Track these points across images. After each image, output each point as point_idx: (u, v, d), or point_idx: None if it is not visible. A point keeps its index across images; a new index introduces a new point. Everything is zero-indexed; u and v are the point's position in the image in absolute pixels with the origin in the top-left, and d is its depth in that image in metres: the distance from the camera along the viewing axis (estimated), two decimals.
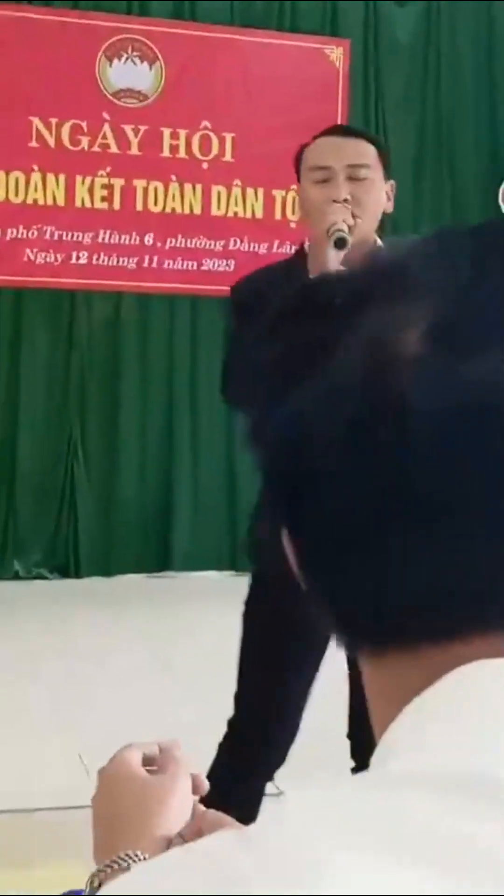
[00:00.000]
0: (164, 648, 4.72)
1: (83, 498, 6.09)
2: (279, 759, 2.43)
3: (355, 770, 2.37)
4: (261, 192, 6.31)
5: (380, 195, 2.40)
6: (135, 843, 0.91)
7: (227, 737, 2.46)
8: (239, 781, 2.41)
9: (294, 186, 6.15)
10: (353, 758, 2.46)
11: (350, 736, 2.50)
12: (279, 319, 0.65)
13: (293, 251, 2.60)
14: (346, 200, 2.31)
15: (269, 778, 2.45)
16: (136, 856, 0.89)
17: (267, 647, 2.41)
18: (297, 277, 2.35)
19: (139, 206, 6.15)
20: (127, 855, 0.89)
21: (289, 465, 0.60)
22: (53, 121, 6.00)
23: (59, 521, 6.13)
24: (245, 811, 2.40)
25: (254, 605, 2.44)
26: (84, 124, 6.01)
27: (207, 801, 2.48)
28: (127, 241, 6.12)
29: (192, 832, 0.94)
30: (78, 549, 6.11)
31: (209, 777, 2.50)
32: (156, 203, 6.18)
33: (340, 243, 2.22)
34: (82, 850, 1.07)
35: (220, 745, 2.47)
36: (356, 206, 2.32)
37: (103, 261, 6.08)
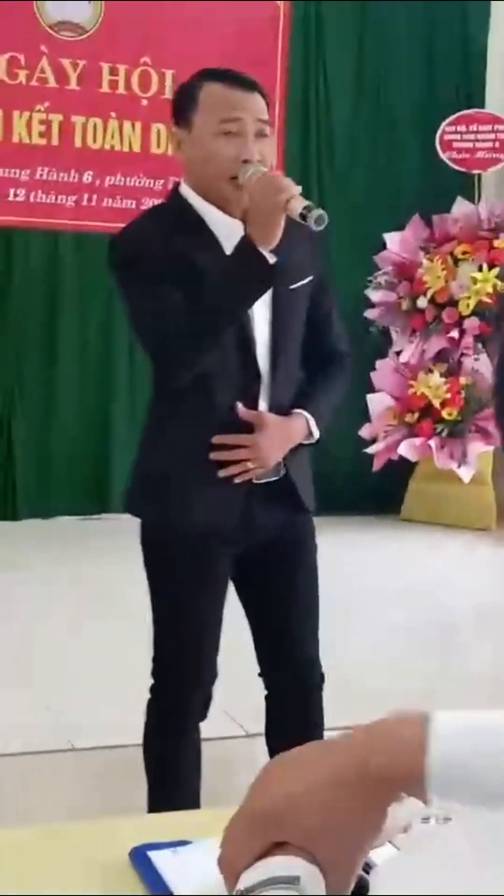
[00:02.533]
0: (106, 590, 4.73)
1: (20, 441, 6.04)
2: (208, 702, 2.52)
3: (269, 698, 2.58)
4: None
5: (275, 152, 2.42)
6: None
7: (156, 695, 2.50)
8: (180, 735, 2.49)
9: None
10: (267, 689, 2.59)
11: (262, 673, 2.60)
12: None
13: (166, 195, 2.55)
14: (259, 161, 2.28)
15: (203, 718, 2.51)
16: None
17: (194, 604, 2.45)
18: (190, 224, 2.33)
19: (78, 143, 6.06)
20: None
21: None
22: None
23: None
24: (192, 761, 2.46)
25: (172, 562, 2.46)
26: (21, 57, 5.89)
27: (151, 757, 2.49)
28: (65, 179, 6.03)
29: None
30: (15, 491, 6.07)
31: (148, 736, 2.54)
32: (95, 140, 6.09)
33: (320, 220, 2.18)
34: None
35: (150, 705, 2.51)
36: (262, 164, 2.29)
37: (41, 198, 5.98)
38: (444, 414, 6.15)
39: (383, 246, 6.40)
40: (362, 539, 6.04)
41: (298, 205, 2.20)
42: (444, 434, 6.18)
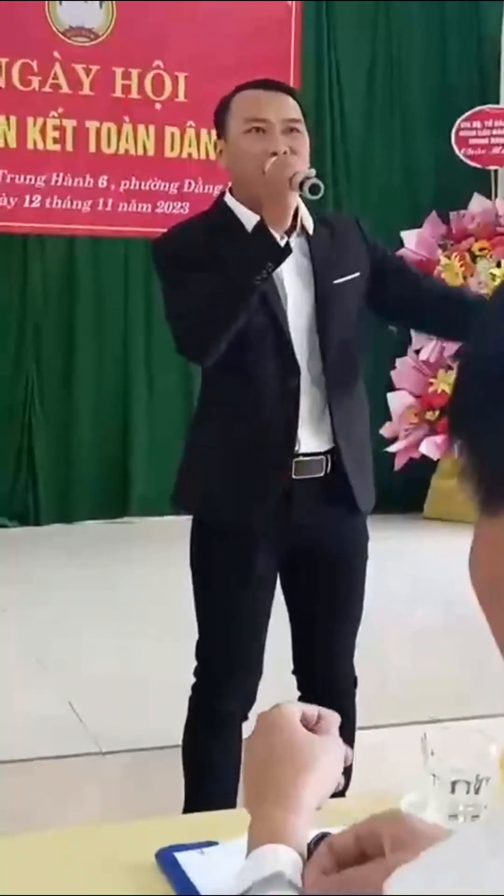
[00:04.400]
0: (128, 593, 4.73)
1: (41, 445, 6.05)
2: (251, 702, 2.49)
3: (302, 699, 2.48)
4: (214, 132, 6.22)
5: (308, 150, 2.44)
6: (284, 797, 0.95)
7: (195, 691, 2.52)
8: (216, 732, 2.49)
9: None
10: (299, 689, 2.57)
11: (295, 672, 2.59)
12: None
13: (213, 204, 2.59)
14: (285, 152, 2.34)
15: (245, 719, 2.49)
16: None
17: (231, 600, 2.46)
18: (231, 229, 2.39)
19: (92, 148, 6.06)
20: None
21: None
22: (3, 60, 5.88)
23: (18, 470, 6.10)
24: (228, 761, 2.45)
25: (209, 557, 2.48)
26: (34, 64, 5.90)
27: (190, 754, 2.48)
28: (80, 184, 6.03)
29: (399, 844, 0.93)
30: (38, 496, 6.08)
31: (187, 732, 2.52)
32: (109, 145, 6.09)
33: (315, 189, 2.24)
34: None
35: (190, 700, 2.52)
36: (294, 156, 2.36)
37: (57, 204, 6.00)
38: None
39: (401, 244, 6.37)
40: (385, 538, 6.01)
41: (298, 179, 2.26)
42: None
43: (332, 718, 1.09)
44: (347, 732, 2.49)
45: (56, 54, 5.93)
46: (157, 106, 6.12)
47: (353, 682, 2.60)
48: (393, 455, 6.23)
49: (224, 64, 6.13)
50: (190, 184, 6.18)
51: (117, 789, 3.07)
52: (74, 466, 6.15)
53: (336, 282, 2.40)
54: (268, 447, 2.36)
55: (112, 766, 3.18)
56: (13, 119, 5.91)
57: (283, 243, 2.27)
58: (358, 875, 0.92)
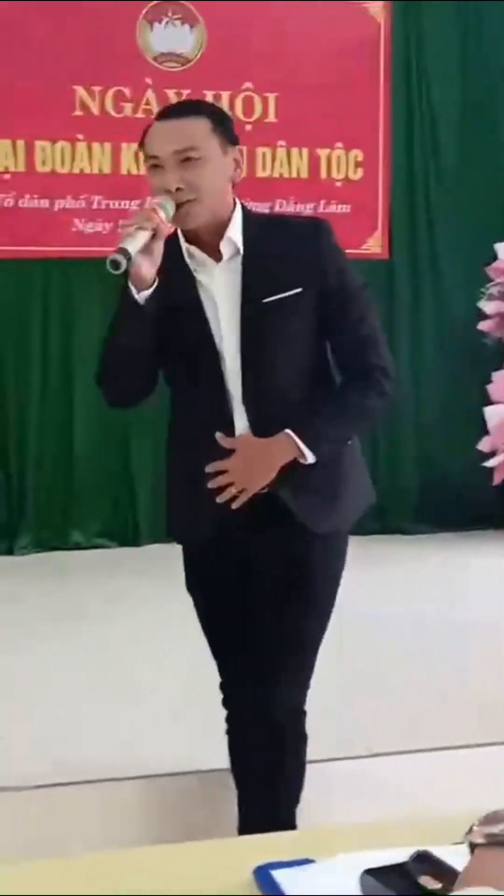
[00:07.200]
0: None
1: (140, 466, 6.10)
2: (266, 717, 2.48)
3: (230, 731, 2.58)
4: (305, 151, 6.26)
5: (217, 170, 2.25)
6: None
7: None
8: (239, 742, 2.56)
9: (339, 144, 6.21)
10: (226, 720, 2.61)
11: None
12: None
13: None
14: (178, 189, 2.20)
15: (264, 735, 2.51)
16: None
17: (206, 615, 2.54)
18: (170, 261, 2.25)
19: None
20: None
21: None
22: (97, 89, 5.98)
23: (118, 490, 6.16)
24: (258, 775, 2.44)
25: (192, 577, 2.56)
26: (127, 90, 5.99)
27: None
28: None
29: None
30: (137, 517, 6.14)
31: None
32: None
33: (114, 265, 2.07)
34: None
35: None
36: (190, 190, 2.21)
37: None
38: None
39: (494, 257, 6.31)
40: (483, 554, 5.95)
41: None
42: None
43: None
44: (281, 774, 2.44)
45: (148, 80, 6.02)
46: (248, 127, 6.16)
47: (292, 716, 2.47)
48: (491, 470, 6.16)
49: (313, 83, 6.17)
50: (282, 203, 6.22)
51: (168, 813, 3.06)
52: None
53: (266, 300, 2.27)
54: (201, 467, 2.31)
55: (159, 788, 3.17)
56: (107, 146, 6.01)
57: (141, 298, 2.19)
58: None
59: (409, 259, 6.45)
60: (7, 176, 5.93)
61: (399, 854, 1.18)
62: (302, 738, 2.51)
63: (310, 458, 2.27)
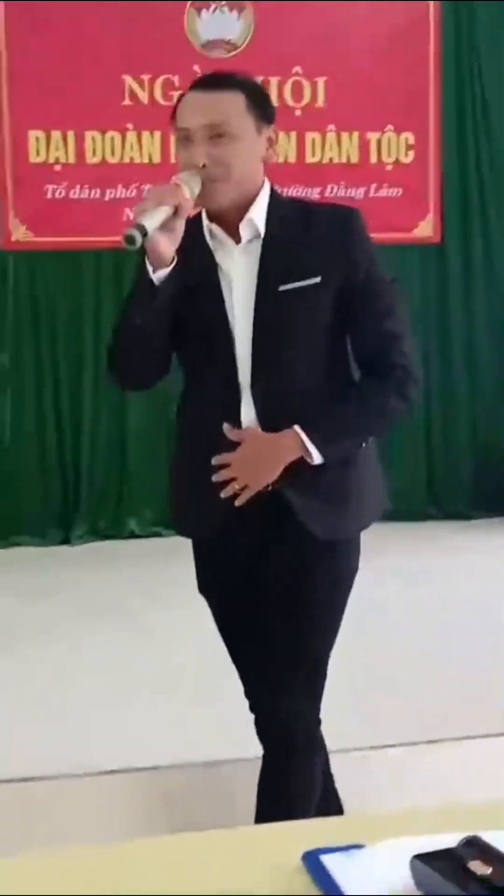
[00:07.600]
0: None
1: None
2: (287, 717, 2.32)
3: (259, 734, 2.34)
4: (355, 135, 6.23)
5: (248, 149, 2.14)
6: None
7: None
8: (263, 741, 2.35)
9: (390, 127, 6.16)
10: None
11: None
12: None
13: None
14: (204, 165, 2.10)
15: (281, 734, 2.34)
16: None
17: (216, 614, 2.43)
18: (190, 238, 2.16)
19: None
20: None
21: None
22: (145, 77, 5.99)
23: None
24: (275, 773, 2.28)
25: (202, 579, 2.44)
26: (175, 79, 5.99)
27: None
28: None
29: None
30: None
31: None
32: None
33: (129, 241, 2.00)
34: None
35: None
36: (216, 166, 2.11)
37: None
38: None
39: None
40: None
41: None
42: None
43: None
44: (295, 803, 2.19)
45: (196, 68, 6.01)
46: (297, 112, 6.14)
47: (306, 734, 2.30)
48: None
49: (362, 67, 6.13)
50: (332, 188, 6.19)
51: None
52: None
53: (283, 288, 2.16)
54: (208, 458, 2.21)
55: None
56: (157, 135, 6.02)
57: (156, 277, 2.09)
58: None
59: (462, 243, 6.39)
60: (58, 167, 5.97)
61: (448, 839, 1.17)
62: (314, 746, 2.34)
63: (316, 458, 2.15)
